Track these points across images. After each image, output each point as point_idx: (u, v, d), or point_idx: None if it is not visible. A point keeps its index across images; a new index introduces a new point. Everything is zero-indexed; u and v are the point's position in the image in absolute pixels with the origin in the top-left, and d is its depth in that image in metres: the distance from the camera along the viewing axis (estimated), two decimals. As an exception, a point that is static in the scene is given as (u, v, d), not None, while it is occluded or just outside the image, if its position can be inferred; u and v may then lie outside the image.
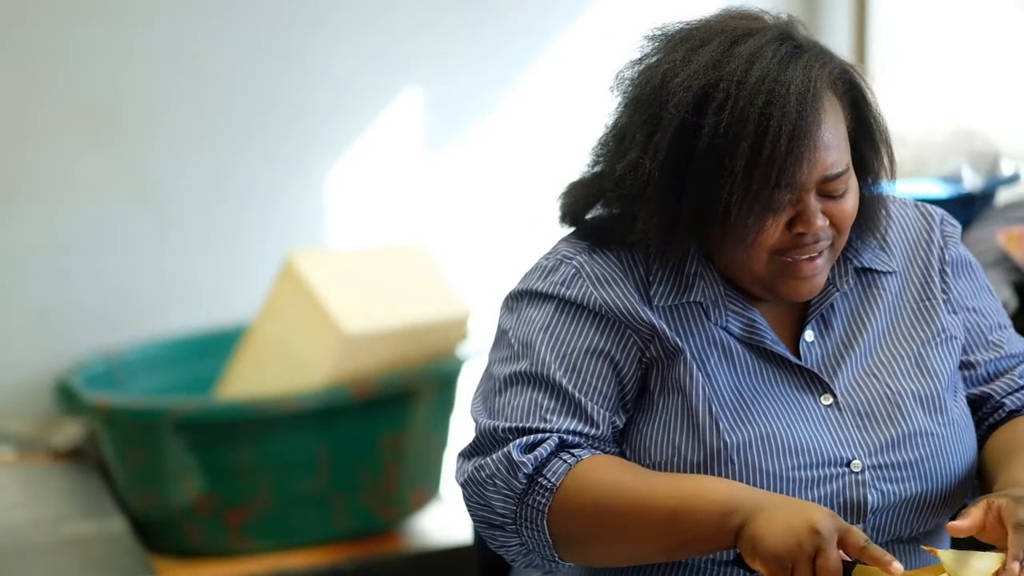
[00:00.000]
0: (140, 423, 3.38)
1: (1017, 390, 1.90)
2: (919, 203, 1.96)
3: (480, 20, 3.99)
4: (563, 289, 1.81)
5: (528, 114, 4.04)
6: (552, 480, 1.73)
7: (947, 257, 1.91)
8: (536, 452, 1.74)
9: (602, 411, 1.78)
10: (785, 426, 1.77)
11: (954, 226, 1.95)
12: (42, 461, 3.65)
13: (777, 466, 1.75)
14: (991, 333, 1.91)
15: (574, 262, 1.82)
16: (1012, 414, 1.89)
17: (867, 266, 1.87)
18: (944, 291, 1.90)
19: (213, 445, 3.36)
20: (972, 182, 3.22)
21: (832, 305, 1.85)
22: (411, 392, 3.47)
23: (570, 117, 3.97)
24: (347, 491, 3.45)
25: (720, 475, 1.74)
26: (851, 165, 1.77)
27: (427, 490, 3.59)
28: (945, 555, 1.65)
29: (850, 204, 1.77)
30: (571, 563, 1.81)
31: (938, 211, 1.95)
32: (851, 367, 1.83)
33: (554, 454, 1.75)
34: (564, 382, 1.78)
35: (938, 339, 1.86)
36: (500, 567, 2.26)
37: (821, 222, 1.75)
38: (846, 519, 1.75)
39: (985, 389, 1.90)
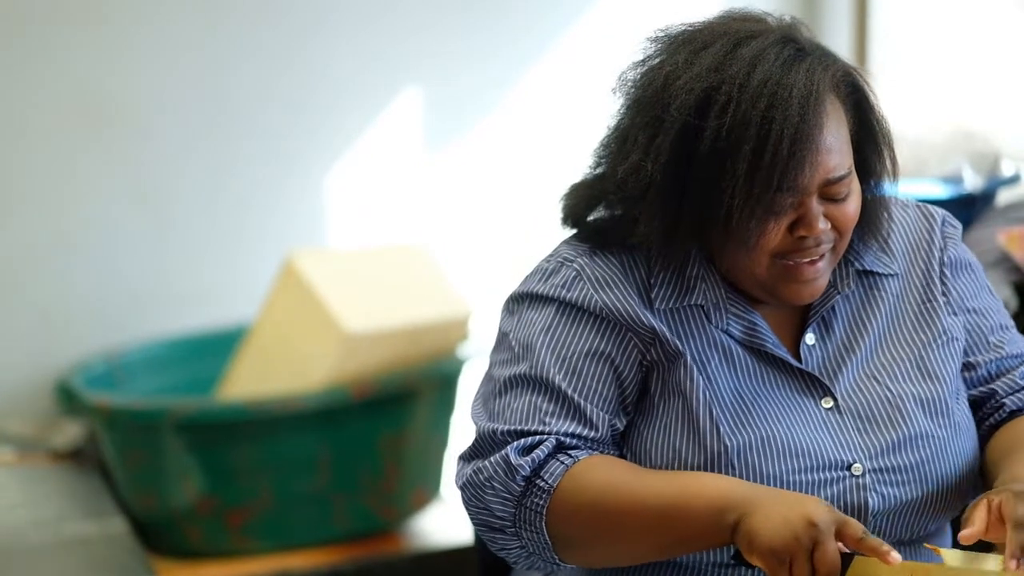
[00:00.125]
0: (140, 424, 3.38)
1: (1018, 390, 1.90)
2: (921, 204, 1.96)
3: (480, 20, 3.99)
4: (564, 292, 1.81)
5: (528, 114, 4.04)
6: (549, 482, 1.73)
7: (946, 258, 1.91)
8: (533, 454, 1.74)
9: (601, 414, 1.78)
10: (785, 429, 1.77)
11: (955, 227, 1.95)
12: (42, 462, 3.65)
13: (777, 469, 1.75)
14: (992, 334, 1.91)
15: (575, 264, 1.82)
16: (1013, 414, 1.88)
17: (868, 269, 1.87)
18: (944, 292, 1.90)
19: (213, 446, 3.36)
20: (972, 182, 3.22)
21: (833, 308, 1.85)
22: (411, 392, 3.47)
23: (570, 118, 3.97)
24: (347, 491, 3.45)
25: (720, 477, 1.74)
26: (853, 168, 1.77)
27: (427, 490, 3.59)
28: (948, 554, 1.65)
29: (852, 207, 1.77)
30: (572, 564, 1.81)
31: (939, 212, 1.95)
32: (852, 370, 1.83)
33: (551, 456, 1.75)
34: (563, 385, 1.78)
35: (939, 341, 1.86)
36: (501, 568, 2.27)
37: (823, 225, 1.74)
38: (847, 523, 1.75)
39: (986, 389, 1.90)
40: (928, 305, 1.88)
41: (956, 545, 1.70)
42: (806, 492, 1.74)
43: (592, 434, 1.77)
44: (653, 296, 1.80)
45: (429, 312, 3.54)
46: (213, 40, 3.81)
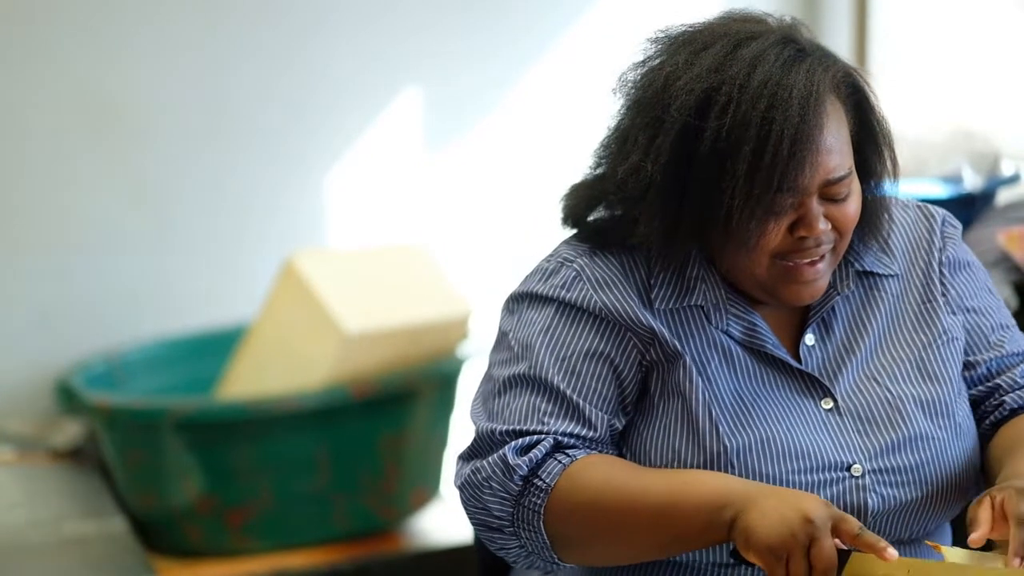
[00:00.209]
0: (140, 423, 3.38)
1: (1019, 388, 1.90)
2: (921, 204, 1.95)
3: (481, 20, 3.99)
4: (563, 292, 1.81)
5: (528, 114, 4.04)
6: (547, 481, 1.74)
7: (944, 258, 1.91)
8: (531, 454, 1.74)
9: (600, 414, 1.78)
10: (785, 430, 1.77)
11: (955, 227, 1.95)
12: (42, 461, 3.65)
13: (777, 470, 1.75)
14: (993, 333, 1.91)
15: (575, 265, 1.82)
16: (1014, 412, 1.88)
17: (868, 269, 1.87)
18: (944, 293, 1.90)
19: (213, 445, 3.36)
20: (972, 182, 3.22)
21: (833, 309, 1.85)
22: (411, 392, 3.47)
23: (570, 118, 3.97)
24: (347, 491, 3.45)
25: (719, 478, 1.74)
26: (854, 169, 1.77)
27: (427, 490, 3.59)
28: (949, 552, 1.65)
29: (852, 207, 1.77)
30: (571, 563, 1.81)
31: (940, 212, 1.95)
32: (852, 371, 1.83)
33: (549, 455, 1.75)
34: (562, 386, 1.78)
35: (940, 341, 1.86)
36: (500, 567, 2.27)
37: (823, 226, 1.75)
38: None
39: (986, 388, 1.90)
40: (928, 305, 1.88)
41: (956, 543, 1.70)
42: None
43: (590, 434, 1.78)
44: (653, 296, 1.80)
45: (429, 312, 3.54)
46: (213, 40, 3.81)
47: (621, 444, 1.81)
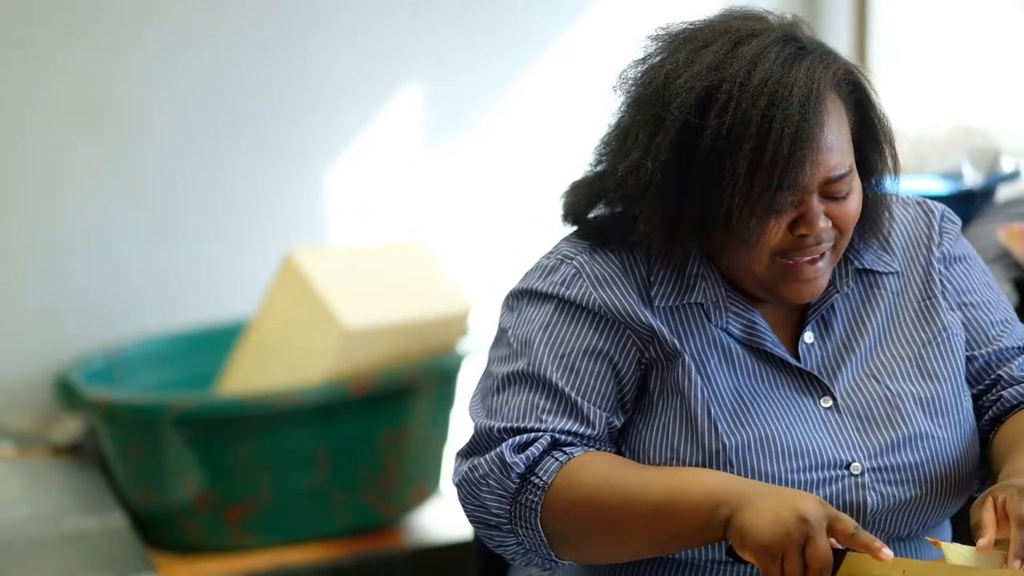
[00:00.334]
0: (140, 419, 3.38)
1: (1017, 383, 1.89)
2: (921, 200, 1.95)
3: (481, 18, 3.99)
4: (563, 289, 1.81)
5: (529, 112, 4.04)
6: (544, 478, 1.73)
7: (940, 252, 1.90)
8: (528, 452, 1.74)
9: (598, 411, 1.78)
10: (784, 428, 1.77)
11: (954, 222, 1.94)
12: (42, 457, 3.65)
13: (776, 468, 1.75)
14: (992, 328, 1.90)
15: (574, 262, 1.82)
16: (1013, 407, 1.88)
17: (868, 267, 1.87)
18: (943, 288, 1.89)
19: (213, 441, 3.36)
20: (972, 179, 3.22)
21: (832, 306, 1.85)
22: (411, 388, 3.47)
23: (570, 115, 3.97)
24: (347, 487, 3.45)
25: (718, 476, 1.74)
26: (855, 166, 1.77)
27: (427, 486, 3.59)
28: (948, 548, 1.65)
29: (853, 205, 1.77)
30: (568, 561, 1.81)
31: (938, 207, 1.94)
32: (851, 369, 1.83)
33: (546, 453, 1.75)
34: (561, 383, 1.78)
35: (940, 338, 1.86)
36: (500, 563, 2.27)
37: (823, 224, 1.74)
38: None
39: (984, 383, 1.89)
40: (928, 302, 1.88)
41: (956, 539, 1.69)
42: (805, 491, 1.74)
43: (588, 431, 1.77)
44: (653, 294, 1.80)
45: (429, 308, 3.54)
46: (213, 38, 3.81)
47: (620, 442, 1.81)
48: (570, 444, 1.76)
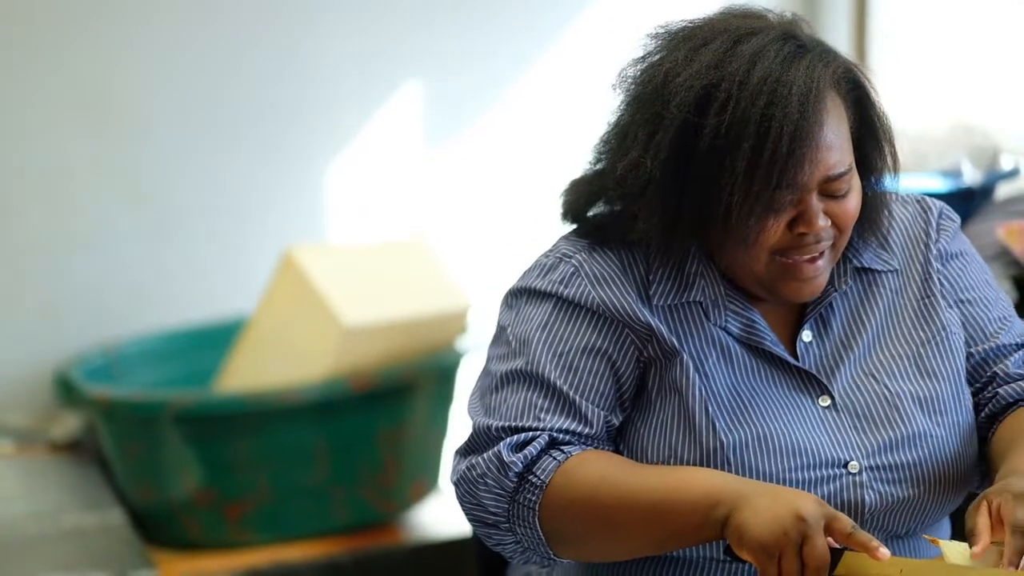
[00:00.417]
0: (139, 416, 3.38)
1: (1013, 380, 1.89)
2: (921, 198, 1.94)
3: (480, 16, 3.99)
4: (561, 288, 1.81)
5: (528, 110, 4.04)
6: (542, 478, 1.73)
7: (936, 250, 1.90)
8: (526, 451, 1.74)
9: (596, 410, 1.78)
10: (782, 427, 1.77)
11: (952, 220, 1.94)
12: (41, 454, 3.65)
13: (773, 467, 1.75)
14: (989, 325, 1.90)
15: (573, 260, 1.82)
16: (1009, 405, 1.87)
17: (867, 266, 1.87)
18: (940, 285, 1.89)
19: (212, 438, 3.36)
20: (972, 177, 3.22)
21: (831, 305, 1.85)
22: (410, 385, 3.47)
23: (570, 113, 3.97)
24: (346, 484, 3.45)
25: (716, 475, 1.74)
26: (854, 165, 1.77)
27: (426, 483, 3.59)
28: (946, 546, 1.65)
29: (852, 204, 1.77)
30: (566, 559, 1.81)
31: (937, 204, 1.94)
32: (849, 368, 1.83)
33: (544, 452, 1.75)
34: (559, 382, 1.78)
35: (939, 337, 1.86)
36: (499, 560, 2.27)
37: (823, 222, 1.74)
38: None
39: (980, 380, 1.89)
40: (927, 301, 1.88)
41: (955, 536, 1.69)
42: (802, 490, 1.73)
43: (586, 430, 1.77)
44: (652, 293, 1.80)
45: (428, 305, 3.54)
46: (212, 37, 3.81)
47: (618, 440, 1.81)
48: (568, 443, 1.76)
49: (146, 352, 3.75)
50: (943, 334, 1.86)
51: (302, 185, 3.92)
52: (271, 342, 3.50)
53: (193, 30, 3.79)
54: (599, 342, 1.79)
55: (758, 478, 1.74)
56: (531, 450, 1.74)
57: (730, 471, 1.74)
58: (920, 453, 1.79)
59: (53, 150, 3.75)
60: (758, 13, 1.79)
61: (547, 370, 1.78)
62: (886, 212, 1.86)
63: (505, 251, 3.97)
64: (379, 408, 3.44)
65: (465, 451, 1.80)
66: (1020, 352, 1.90)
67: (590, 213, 1.85)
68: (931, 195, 1.98)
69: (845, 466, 1.77)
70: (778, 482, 1.74)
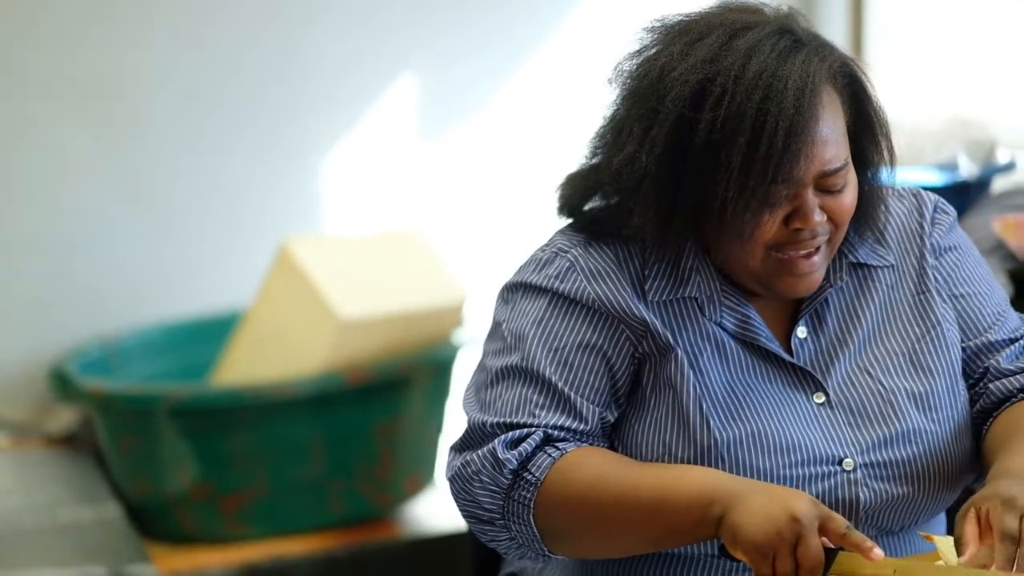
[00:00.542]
0: (135, 409, 3.38)
1: (1004, 376, 1.88)
2: (917, 192, 1.93)
3: (477, 9, 3.98)
4: (557, 283, 1.81)
5: (524, 103, 4.03)
6: (536, 475, 1.73)
7: (930, 244, 1.90)
8: (521, 448, 1.74)
9: (591, 406, 1.77)
10: (777, 424, 1.77)
11: (947, 213, 1.93)
12: (37, 447, 3.65)
13: (768, 464, 1.75)
14: (983, 320, 1.89)
15: (569, 255, 1.82)
16: (999, 401, 1.87)
17: (863, 261, 1.86)
18: (935, 280, 1.89)
19: (208, 431, 3.36)
20: (968, 170, 3.22)
21: (826, 300, 1.84)
22: (406, 379, 3.47)
23: (566, 108, 3.97)
24: (342, 478, 3.45)
25: (710, 472, 1.74)
26: (850, 159, 1.76)
27: (422, 477, 3.59)
28: (941, 542, 1.65)
29: (848, 199, 1.76)
30: (561, 556, 1.81)
31: (932, 198, 1.93)
32: (844, 364, 1.82)
33: (539, 449, 1.75)
34: (554, 378, 1.77)
35: (934, 333, 1.85)
36: (494, 554, 2.26)
37: (819, 217, 1.74)
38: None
39: (973, 375, 1.88)
40: (922, 296, 1.87)
41: (950, 532, 1.69)
42: (796, 487, 1.74)
43: (581, 427, 1.77)
44: (647, 288, 1.80)
45: (424, 299, 3.54)
46: (209, 30, 3.81)
47: (613, 437, 1.81)
48: (563, 440, 1.76)
49: (142, 345, 3.75)
50: (938, 330, 1.86)
51: (299, 179, 3.92)
52: (267, 335, 3.49)
53: (191, 24, 3.79)
54: (594, 338, 1.78)
55: (752, 475, 1.74)
56: (526, 447, 1.74)
57: (724, 468, 1.73)
58: (915, 450, 1.79)
59: (50, 142, 3.74)
60: (754, 7, 1.78)
61: (542, 366, 1.77)
62: (882, 207, 1.85)
63: (501, 244, 3.97)
64: (375, 401, 3.44)
65: (460, 447, 1.80)
66: (1013, 347, 1.89)
67: (586, 207, 1.85)
68: (927, 188, 1.97)
69: (840, 463, 1.77)
70: (772, 480, 1.74)
